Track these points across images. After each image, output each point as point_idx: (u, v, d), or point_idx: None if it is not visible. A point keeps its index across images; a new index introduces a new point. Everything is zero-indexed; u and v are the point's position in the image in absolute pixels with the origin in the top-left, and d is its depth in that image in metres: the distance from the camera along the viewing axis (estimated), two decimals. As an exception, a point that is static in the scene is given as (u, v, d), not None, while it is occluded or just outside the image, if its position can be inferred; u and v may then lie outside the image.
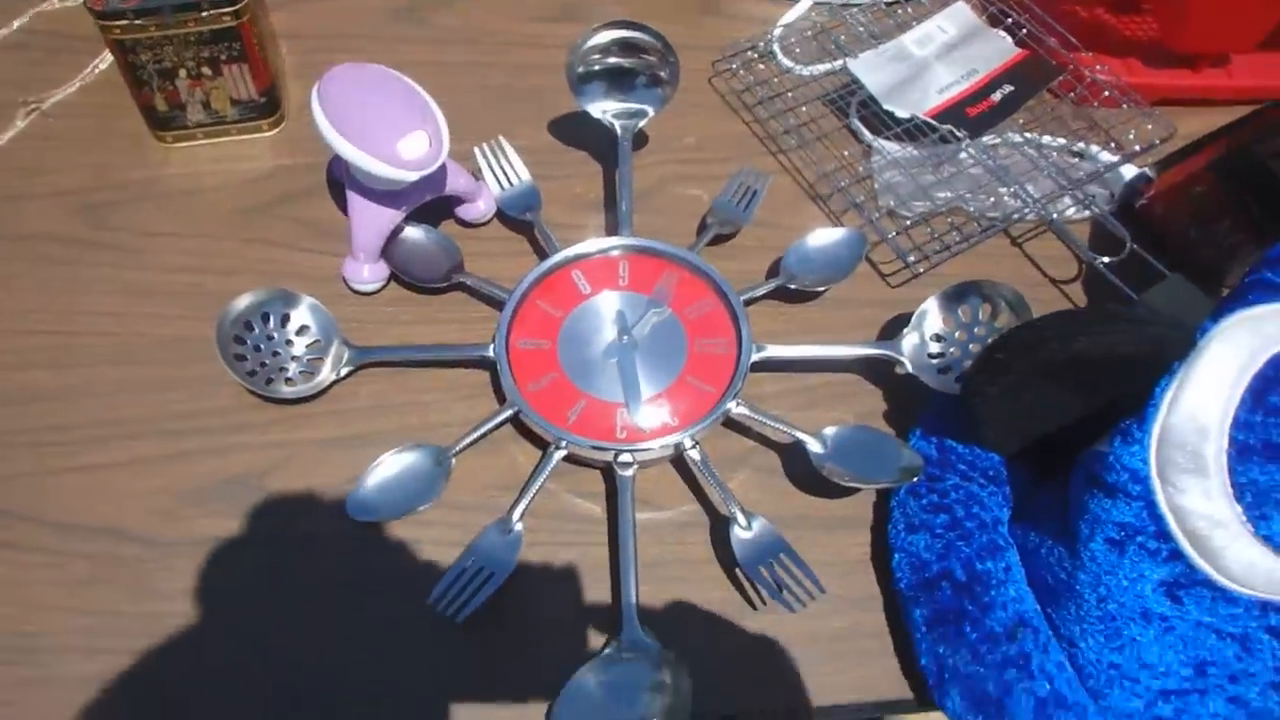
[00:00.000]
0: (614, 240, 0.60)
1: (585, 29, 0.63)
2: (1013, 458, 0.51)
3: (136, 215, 0.64)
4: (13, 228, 0.63)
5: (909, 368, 0.56)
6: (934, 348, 0.56)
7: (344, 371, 0.57)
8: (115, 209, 0.65)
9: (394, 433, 0.55)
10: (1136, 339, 0.44)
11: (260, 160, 0.67)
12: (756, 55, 0.74)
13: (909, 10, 0.76)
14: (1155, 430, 0.41)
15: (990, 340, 0.48)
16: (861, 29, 0.75)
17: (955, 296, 0.57)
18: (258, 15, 0.62)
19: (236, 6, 0.60)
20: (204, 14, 0.60)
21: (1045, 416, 0.48)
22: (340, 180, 0.65)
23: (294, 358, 0.57)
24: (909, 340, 0.57)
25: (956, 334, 0.57)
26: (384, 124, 0.55)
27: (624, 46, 0.63)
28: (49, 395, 0.57)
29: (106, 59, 0.71)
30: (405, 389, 0.58)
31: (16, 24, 0.73)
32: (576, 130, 0.69)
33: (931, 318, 0.57)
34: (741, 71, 0.73)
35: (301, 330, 0.57)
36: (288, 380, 0.56)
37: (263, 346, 0.56)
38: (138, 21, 0.59)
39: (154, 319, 0.60)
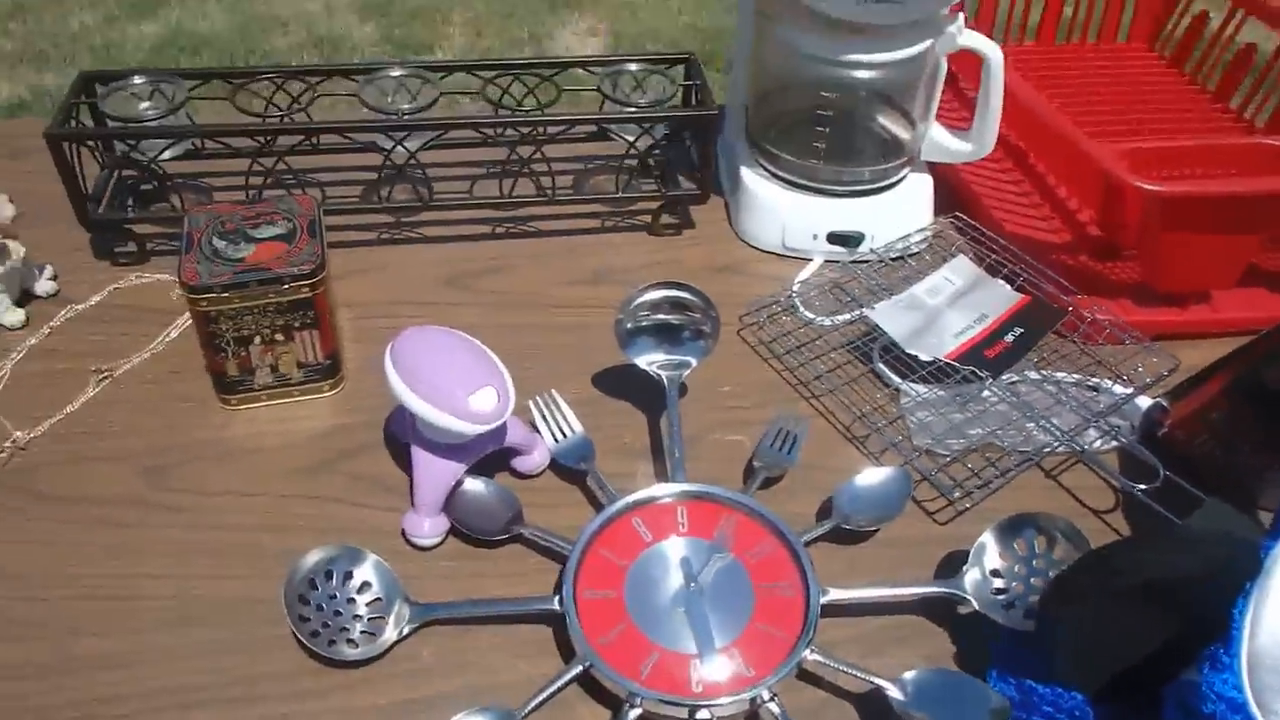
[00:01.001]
0: (671, 487, 0.62)
1: (633, 289, 0.68)
2: (1095, 696, 0.51)
3: (198, 476, 0.66)
4: (74, 489, 0.65)
5: (975, 605, 0.56)
6: (996, 583, 0.57)
7: (406, 630, 0.56)
8: (177, 470, 0.66)
9: (459, 695, 0.54)
10: (1203, 560, 0.45)
11: (320, 419, 0.70)
12: (779, 308, 0.80)
13: (911, 264, 0.83)
14: (1243, 655, 0.42)
15: (1057, 572, 0.49)
16: (872, 282, 0.81)
17: (1010, 530, 0.59)
18: (328, 286, 0.67)
19: (313, 279, 0.65)
20: (285, 286, 0.64)
21: (1122, 645, 0.48)
22: (399, 436, 0.67)
23: (356, 616, 0.57)
24: (970, 577, 0.57)
25: (1015, 568, 0.58)
26: (454, 380, 0.59)
27: (670, 304, 0.68)
28: (101, 663, 0.56)
29: (176, 330, 0.75)
30: (468, 646, 0.57)
31: (95, 299, 0.78)
32: (621, 381, 0.73)
33: (990, 553, 0.58)
34: (767, 324, 0.79)
35: (363, 587, 0.58)
36: (350, 641, 0.55)
37: (325, 606, 0.56)
38: (224, 294, 0.64)
39: (213, 580, 0.60)
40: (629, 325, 0.68)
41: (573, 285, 0.82)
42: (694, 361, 0.69)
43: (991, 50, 0.78)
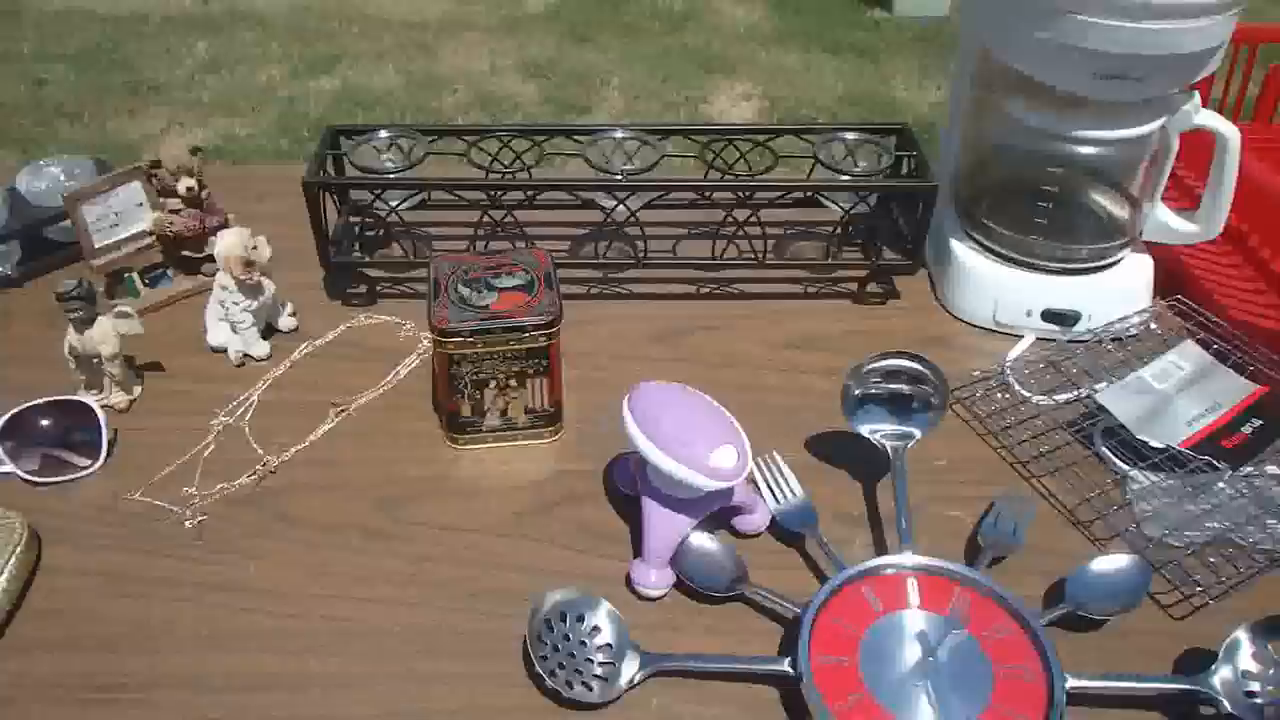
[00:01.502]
0: (901, 558, 0.61)
1: (865, 356, 0.69)
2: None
3: (427, 510, 0.69)
4: (316, 515, 0.68)
5: (1226, 707, 0.54)
6: (1250, 685, 0.54)
7: (636, 678, 0.57)
8: (408, 503, 0.69)
9: (689, 746, 0.55)
10: None
11: (541, 464, 0.72)
12: (993, 384, 0.79)
13: (1130, 346, 0.81)
14: None
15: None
16: (1089, 362, 0.79)
17: (1265, 631, 0.56)
18: (560, 337, 0.69)
19: (551, 329, 0.68)
20: (525, 334, 0.67)
21: None
22: (621, 487, 0.69)
23: (588, 660, 0.58)
24: (1221, 676, 0.55)
25: (1271, 671, 0.55)
26: (695, 436, 0.60)
27: (901, 374, 0.68)
28: (334, 681, 0.58)
29: (405, 369, 0.79)
30: (693, 700, 0.57)
31: (330, 335, 0.83)
32: (837, 447, 0.73)
33: (1243, 653, 0.56)
34: (981, 399, 0.77)
35: (594, 632, 0.59)
36: (584, 684, 0.56)
37: (561, 646, 0.58)
38: (470, 339, 0.67)
39: (441, 611, 0.62)
40: (857, 391, 0.68)
41: (780, 349, 0.83)
42: (919, 434, 0.68)
43: (1228, 129, 0.76)
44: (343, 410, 0.76)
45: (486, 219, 0.84)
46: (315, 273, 0.88)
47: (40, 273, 0.90)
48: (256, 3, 3.50)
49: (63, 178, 0.90)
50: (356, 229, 0.90)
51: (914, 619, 0.58)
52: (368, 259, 0.86)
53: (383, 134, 0.85)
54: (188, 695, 0.58)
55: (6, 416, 0.70)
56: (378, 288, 0.87)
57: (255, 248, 0.78)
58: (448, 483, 0.71)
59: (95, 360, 0.74)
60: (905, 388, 0.68)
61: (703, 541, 0.63)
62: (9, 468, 0.70)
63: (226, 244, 0.76)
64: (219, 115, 2.83)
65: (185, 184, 0.82)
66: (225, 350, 0.81)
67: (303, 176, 0.80)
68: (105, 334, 0.73)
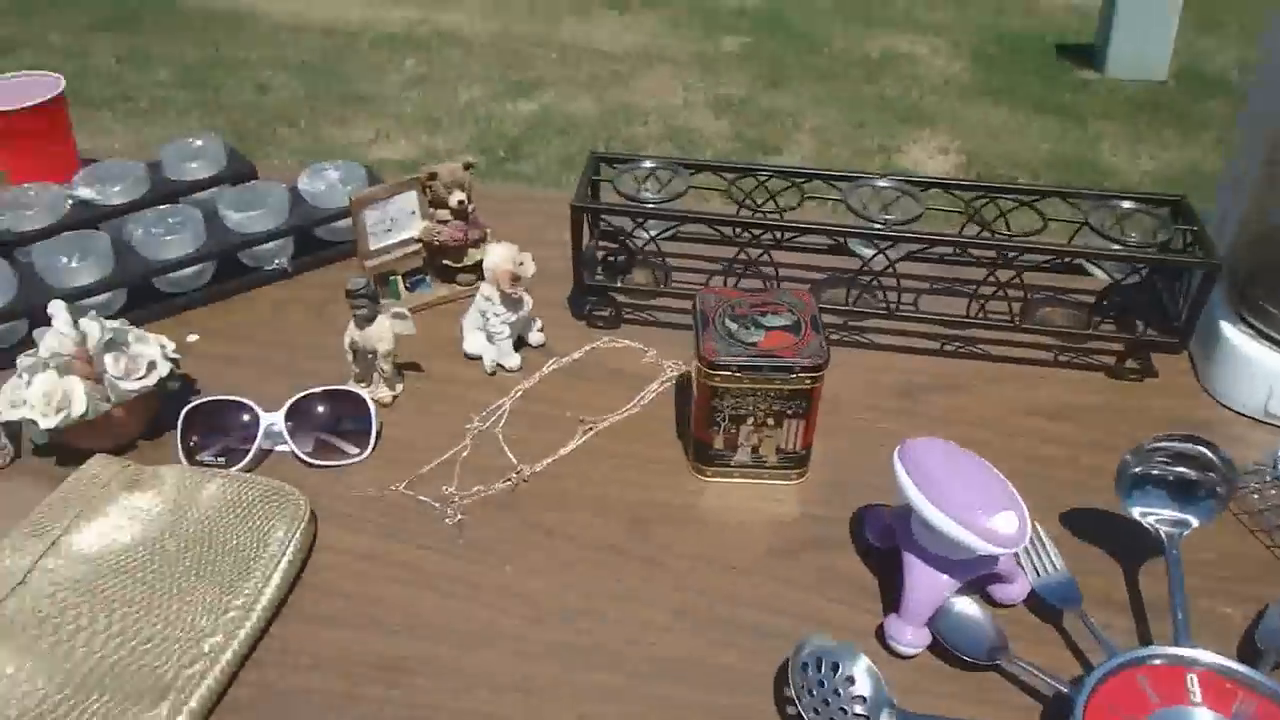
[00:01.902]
0: (1181, 651, 0.58)
1: (1150, 436, 0.66)
2: None
3: (671, 536, 0.70)
4: (565, 527, 0.70)
5: None
6: None
7: (892, 735, 0.56)
8: (652, 527, 0.70)
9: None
10: None
11: (786, 505, 0.72)
12: (1268, 480, 0.74)
13: None
14: None
15: None
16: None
17: None
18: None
19: (817, 373, 0.68)
20: (792, 375, 0.68)
21: None
22: (873, 539, 0.68)
23: (842, 709, 0.57)
24: None
25: None
26: (974, 498, 0.59)
27: (1185, 458, 0.65)
28: (593, 694, 0.59)
29: (649, 395, 0.81)
30: (950, 767, 0.56)
31: (576, 355, 0.85)
32: (1098, 525, 0.70)
33: None
34: (1252, 494, 0.73)
35: (848, 682, 0.58)
36: (839, 734, 0.56)
37: (815, 692, 0.57)
38: (737, 374, 0.68)
39: (681, 638, 0.63)
40: (1135, 470, 0.65)
41: (1029, 416, 0.80)
42: (1196, 523, 0.65)
43: None
44: (590, 428, 0.78)
45: (740, 255, 0.85)
46: (559, 291, 0.91)
47: (310, 267, 0.97)
48: (463, 26, 3.69)
49: (340, 182, 0.97)
50: (601, 253, 0.93)
51: (1195, 717, 0.55)
52: (619, 284, 0.88)
53: (646, 164, 0.88)
54: (451, 685, 0.60)
55: (291, 400, 0.75)
56: (623, 313, 0.89)
57: (522, 264, 0.81)
58: (695, 512, 0.72)
59: (370, 355, 0.78)
60: (1191, 473, 0.65)
61: (965, 605, 0.62)
62: (290, 447, 0.75)
63: (498, 257, 0.80)
64: (420, 129, 2.98)
65: (457, 197, 0.87)
66: (478, 358, 0.85)
67: (570, 200, 0.84)
68: (383, 332, 0.77)
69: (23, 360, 0.73)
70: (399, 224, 0.88)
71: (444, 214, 0.89)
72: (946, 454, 0.62)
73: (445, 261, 0.91)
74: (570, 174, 2.66)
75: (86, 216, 0.94)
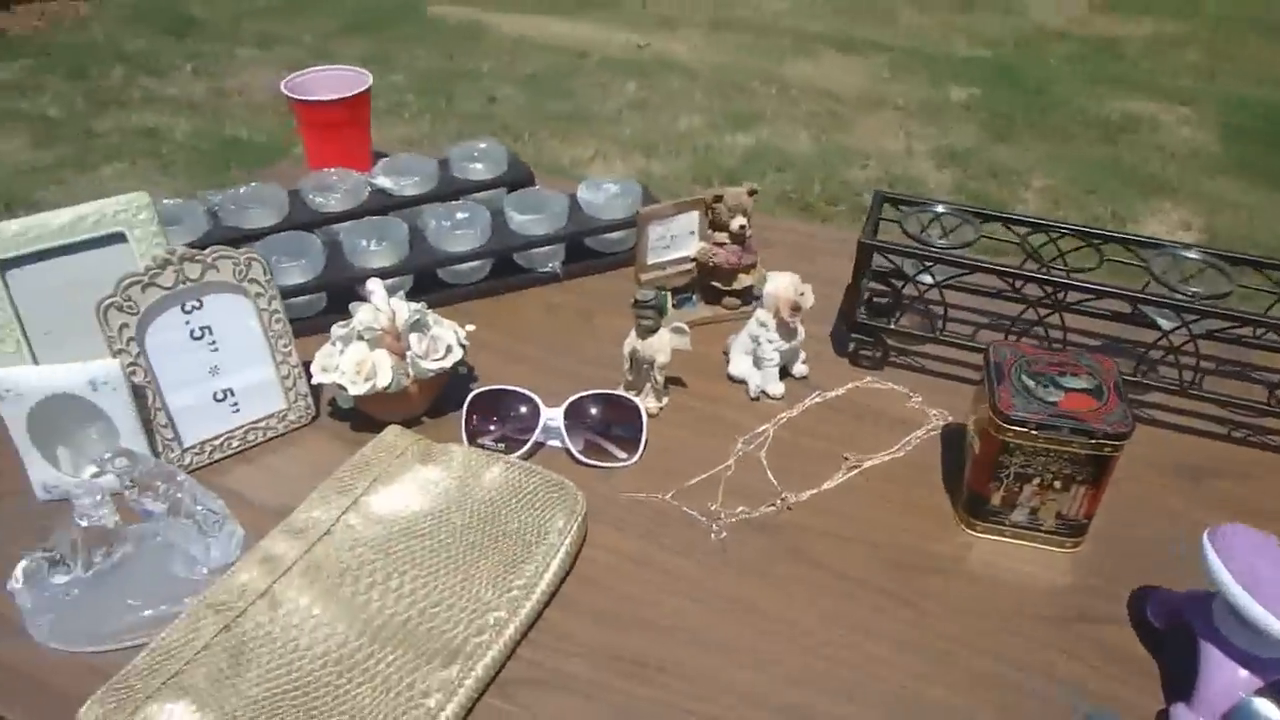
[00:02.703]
0: None
1: None
2: None
3: (933, 584, 0.68)
4: (827, 559, 0.70)
5: None
6: None
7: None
8: (914, 573, 0.69)
9: None
10: None
11: (1059, 573, 0.69)
12: None
13: None
14: None
15: None
16: None
17: None
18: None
19: (1120, 442, 0.65)
20: (1092, 441, 0.65)
21: None
22: (1150, 617, 0.64)
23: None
24: None
25: None
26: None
27: None
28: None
29: (915, 441, 0.80)
30: None
31: (838, 391, 0.85)
32: None
33: None
34: None
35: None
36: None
37: (1100, 777, 0.54)
38: (1034, 431, 0.66)
39: (936, 686, 0.61)
40: None
41: (1334, 517, 0.74)
42: None
43: None
44: (855, 467, 0.77)
45: (1025, 313, 0.82)
46: (817, 327, 0.91)
47: (578, 274, 1.01)
48: (686, 55, 3.76)
49: (617, 195, 1.00)
50: (866, 293, 0.92)
51: None
52: (890, 324, 0.87)
53: (937, 208, 0.87)
54: (700, 691, 0.61)
55: (571, 399, 0.78)
56: (890, 355, 0.88)
57: (803, 294, 0.82)
58: (962, 564, 0.70)
59: (647, 366, 0.81)
60: None
61: (1269, 710, 0.58)
62: (565, 443, 0.78)
63: (781, 285, 0.81)
64: (638, 152, 3.05)
65: (738, 222, 0.89)
66: (743, 382, 0.86)
67: (859, 237, 0.84)
68: (663, 344, 0.80)
69: (337, 330, 0.79)
70: (678, 242, 0.91)
71: (722, 236, 0.90)
72: (1262, 546, 0.58)
73: (714, 283, 0.93)
74: (783, 209, 2.66)
75: (384, 204, 1.01)
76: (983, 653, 0.64)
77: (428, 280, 0.97)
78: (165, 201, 0.97)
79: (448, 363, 0.79)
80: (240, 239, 0.97)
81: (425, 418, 0.83)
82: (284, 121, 3.17)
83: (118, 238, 0.79)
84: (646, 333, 0.79)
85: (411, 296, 0.95)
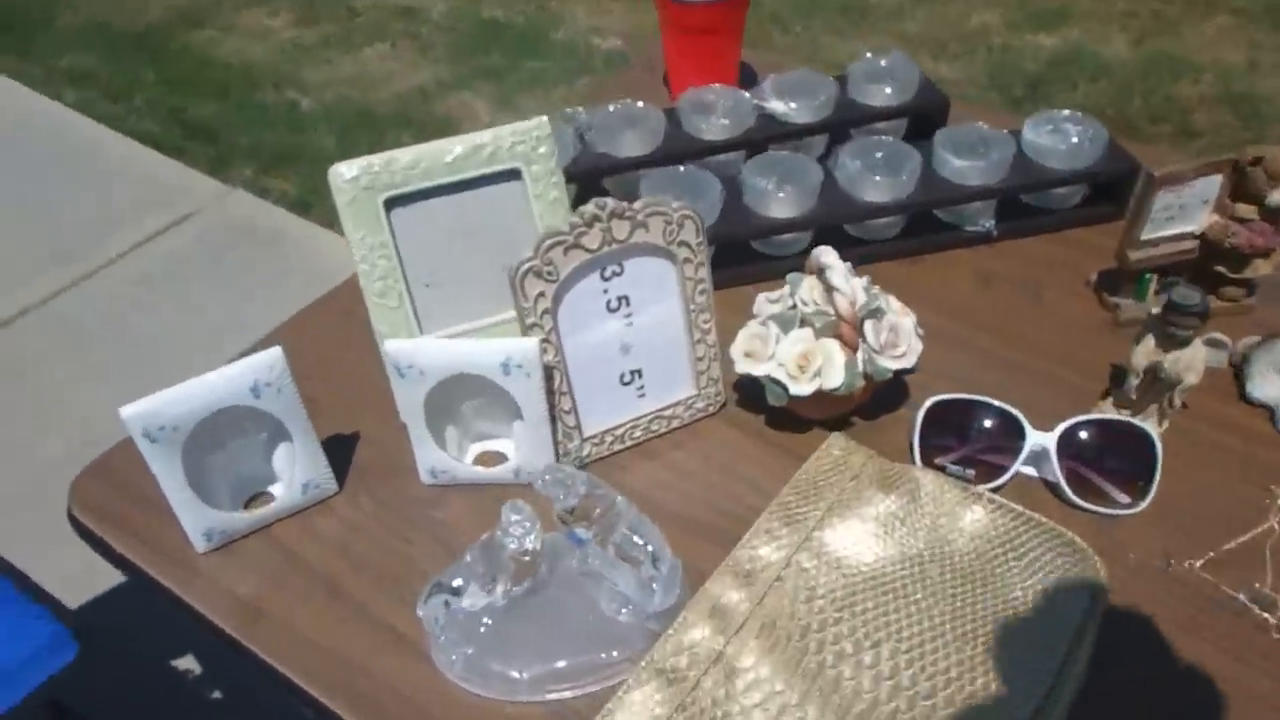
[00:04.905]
0: None
1: None
2: None
3: None
4: None
5: None
6: None
7: None
8: None
9: None
10: None
11: None
12: None
13: None
14: None
15: None
16: None
17: None
18: None
19: None
20: None
21: None
22: None
23: None
24: None
25: None
26: None
27: None
28: None
29: None
30: None
31: None
32: None
33: None
34: None
35: None
36: None
37: None
38: None
39: None
40: None
41: None
42: None
43: None
44: None
45: None
46: None
47: (1012, 235, 0.81)
48: (975, -61, 3.34)
49: (1075, 138, 0.79)
50: None
51: None
52: None
53: None
54: None
55: (1067, 423, 0.61)
56: None
57: (1395, 305, 0.60)
58: None
59: (1170, 386, 0.62)
60: None
61: None
62: (1056, 478, 0.61)
63: (1369, 293, 0.59)
64: (924, 51, 2.74)
65: (1281, 194, 0.67)
66: (1270, 409, 0.66)
67: None
68: (1198, 361, 0.60)
69: (767, 306, 0.65)
70: (1185, 213, 0.70)
71: (1247, 210, 0.69)
72: None
73: (1218, 268, 0.72)
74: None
75: (775, 133, 0.85)
76: None
77: (829, 234, 0.80)
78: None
79: (909, 360, 0.63)
80: (613, 168, 0.83)
81: (857, 418, 0.67)
82: (539, 4, 3.05)
83: (512, 174, 0.66)
84: (1177, 344, 0.60)
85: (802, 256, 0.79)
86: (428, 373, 0.60)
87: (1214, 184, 0.69)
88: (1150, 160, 0.79)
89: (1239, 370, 0.68)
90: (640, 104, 0.85)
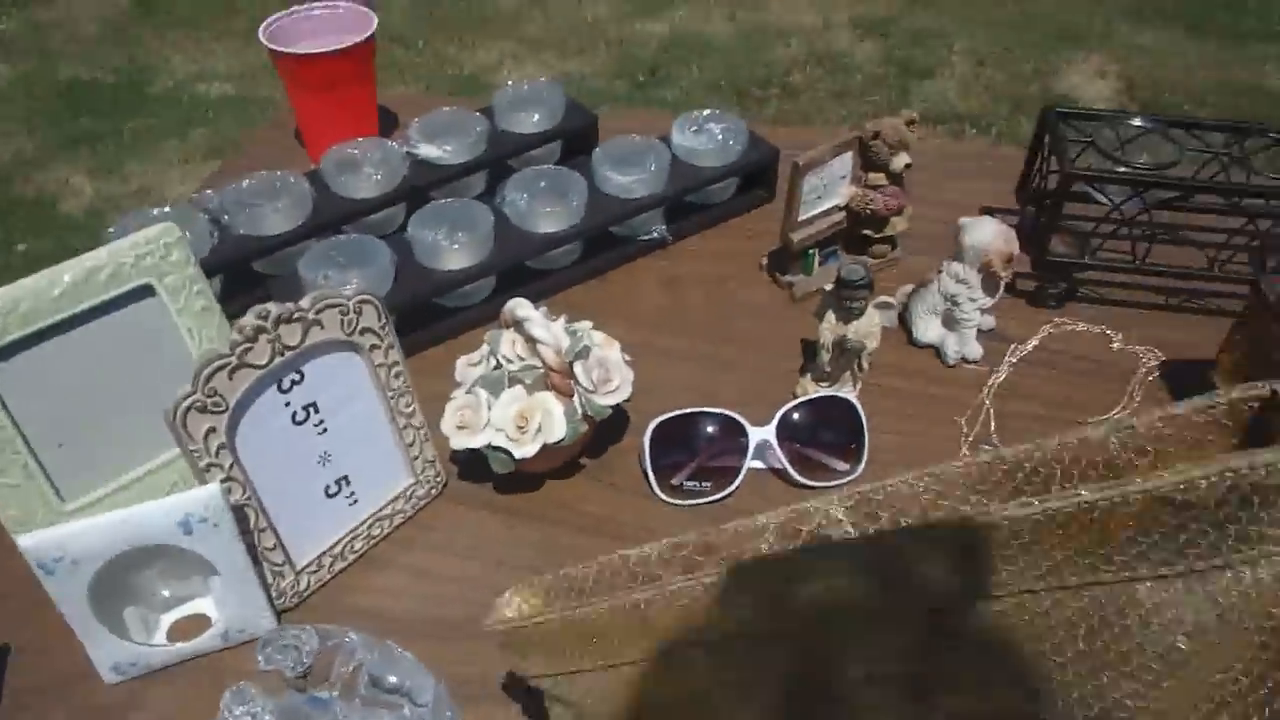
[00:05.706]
0: None
1: None
2: None
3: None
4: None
5: None
6: None
7: None
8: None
9: None
10: None
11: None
12: None
13: None
14: None
15: None
16: None
17: None
18: None
19: None
20: None
21: None
22: None
23: None
24: None
25: None
26: None
27: None
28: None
29: (1139, 388, 0.69)
30: None
31: (1034, 341, 0.73)
32: None
33: None
34: None
35: None
36: None
37: None
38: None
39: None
40: None
41: None
42: None
43: None
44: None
45: (1248, 225, 0.71)
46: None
47: (686, 233, 0.84)
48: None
49: (720, 135, 0.83)
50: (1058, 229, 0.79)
51: None
52: (1084, 260, 0.75)
53: (1136, 121, 0.74)
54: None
55: (781, 412, 0.63)
56: (1077, 291, 0.76)
57: (1010, 241, 0.68)
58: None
59: (855, 353, 0.66)
60: None
61: None
62: (782, 464, 0.63)
63: (990, 234, 0.67)
64: (551, 52, 2.79)
65: (902, 160, 0.74)
66: (930, 347, 0.73)
67: (1066, 167, 0.70)
68: (872, 327, 0.65)
69: (468, 371, 0.62)
70: (829, 190, 0.75)
71: (878, 178, 0.75)
72: None
73: (865, 231, 0.78)
74: (715, 98, 2.48)
75: (433, 179, 0.81)
76: None
77: (511, 274, 0.78)
78: (151, 211, 0.75)
79: (625, 392, 0.62)
80: (261, 250, 0.76)
81: (585, 458, 0.66)
82: (128, 57, 2.77)
83: (144, 291, 0.58)
84: (855, 315, 0.65)
85: (495, 298, 0.77)
86: (84, 561, 0.50)
87: (847, 161, 0.75)
88: (779, 140, 0.85)
89: (903, 319, 0.74)
90: (278, 172, 0.78)
